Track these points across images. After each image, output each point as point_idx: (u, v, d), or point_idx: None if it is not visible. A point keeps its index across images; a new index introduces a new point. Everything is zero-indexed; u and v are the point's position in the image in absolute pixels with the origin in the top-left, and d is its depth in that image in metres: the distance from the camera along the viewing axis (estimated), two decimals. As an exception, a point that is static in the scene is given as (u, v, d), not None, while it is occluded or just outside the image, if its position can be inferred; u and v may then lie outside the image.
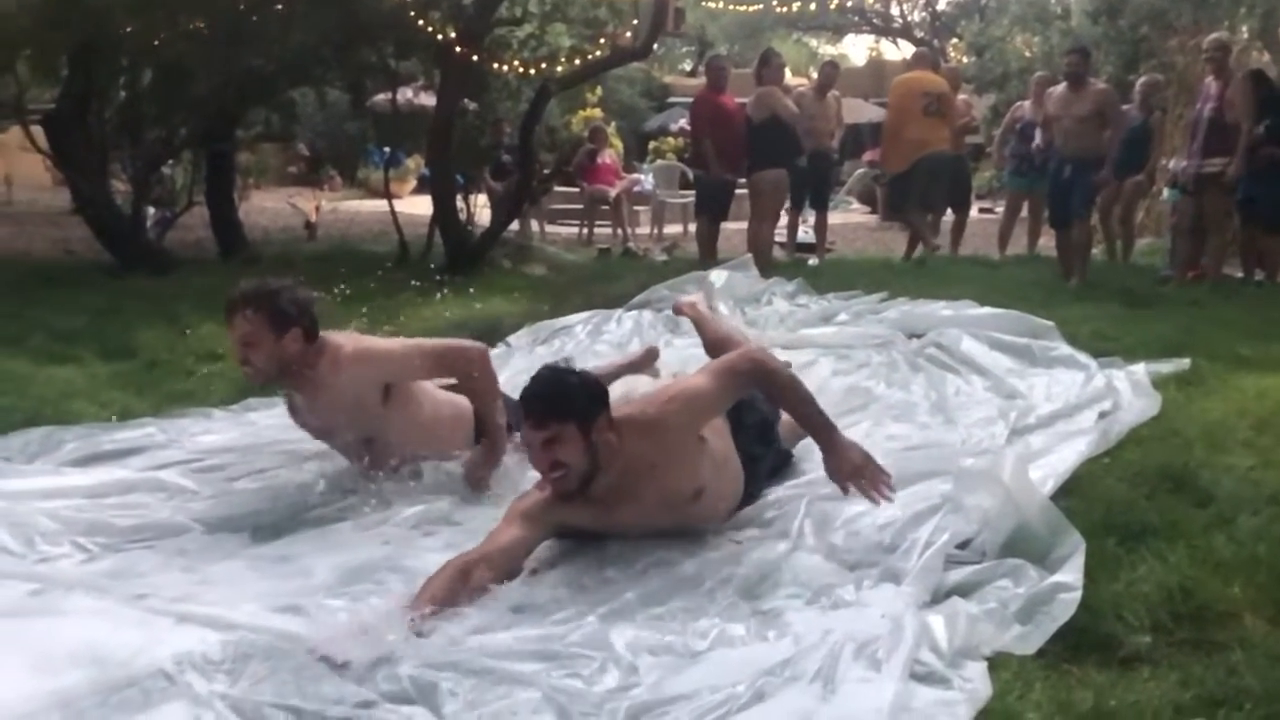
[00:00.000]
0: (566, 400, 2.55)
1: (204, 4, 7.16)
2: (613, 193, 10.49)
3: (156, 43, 7.27)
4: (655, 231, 11.27)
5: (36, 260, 7.96)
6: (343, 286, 5.17)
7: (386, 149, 10.84)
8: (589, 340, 5.03)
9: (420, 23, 7.25)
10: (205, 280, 6.54)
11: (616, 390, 3.76)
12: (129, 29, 6.78)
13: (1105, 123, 6.92)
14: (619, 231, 10.42)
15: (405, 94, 9.08)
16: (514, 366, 4.56)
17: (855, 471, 2.63)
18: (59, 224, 10.12)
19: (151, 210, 8.14)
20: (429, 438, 3.19)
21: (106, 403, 3.97)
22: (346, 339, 3.18)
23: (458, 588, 2.35)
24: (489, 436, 3.20)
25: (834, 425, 2.73)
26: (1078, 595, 2.29)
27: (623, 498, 2.65)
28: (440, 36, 7.34)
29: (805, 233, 9.20)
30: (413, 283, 6.39)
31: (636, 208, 11.32)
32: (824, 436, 2.70)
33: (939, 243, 8.64)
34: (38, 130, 7.24)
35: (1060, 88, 7.21)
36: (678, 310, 4.11)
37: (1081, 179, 6.92)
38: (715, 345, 3.54)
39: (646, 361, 3.99)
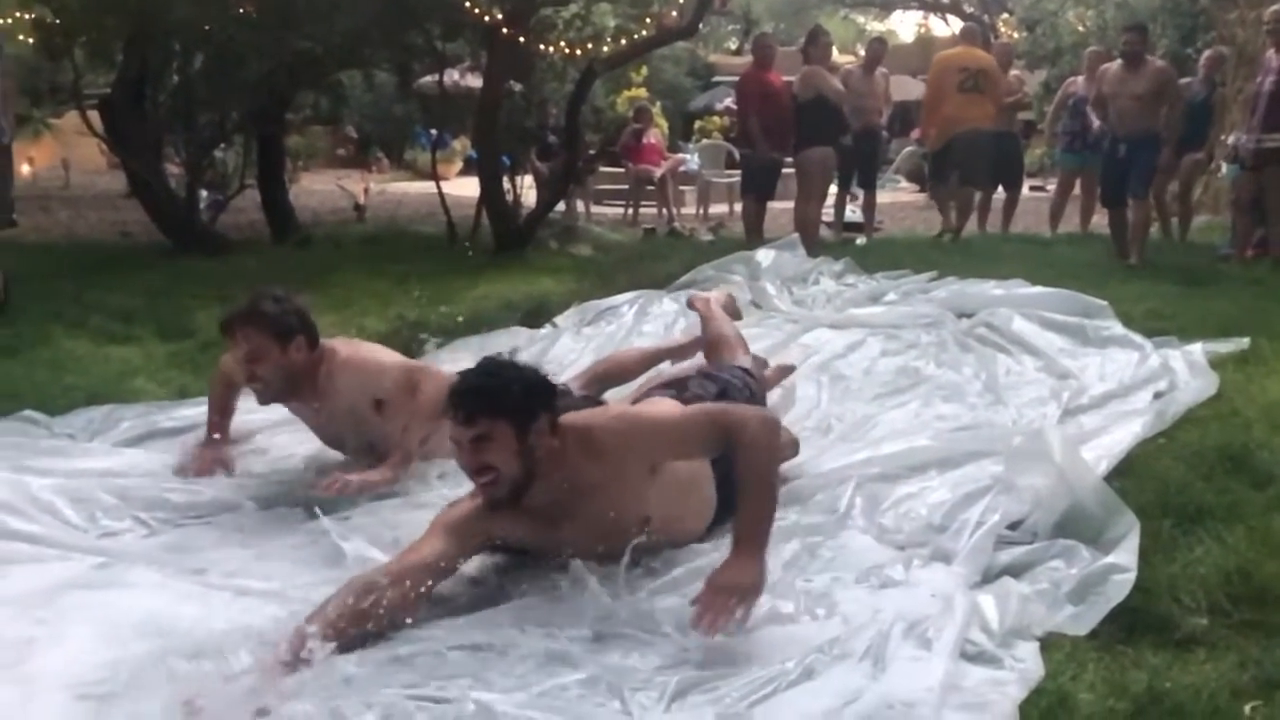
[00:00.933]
0: (500, 395, 2.27)
1: (254, -12, 7.24)
2: (658, 173, 10.47)
3: (208, 27, 7.36)
4: (701, 211, 11.23)
5: (94, 243, 8.12)
6: (397, 267, 5.20)
7: (433, 131, 10.89)
8: (635, 321, 5.03)
9: (467, 4, 7.27)
10: (258, 262, 6.66)
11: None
12: (182, 14, 6.87)
13: (1163, 102, 6.76)
14: (664, 211, 10.40)
15: (452, 76, 9.11)
16: (562, 346, 4.58)
17: (725, 593, 2.11)
18: (115, 207, 10.32)
19: (204, 193, 8.27)
20: (434, 441, 3.02)
21: (164, 381, 4.06)
22: (343, 345, 3.15)
23: (362, 611, 2.09)
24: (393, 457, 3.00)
25: (764, 547, 2.21)
26: (1132, 576, 2.27)
27: (561, 514, 2.37)
28: (487, 18, 7.36)
29: (853, 212, 9.12)
30: (460, 263, 6.45)
31: (682, 187, 11.28)
32: (745, 547, 2.18)
33: (961, 225, 8.45)
34: (94, 115, 7.37)
35: (1115, 65, 7.02)
36: (691, 304, 3.99)
37: (1139, 158, 6.74)
38: (711, 345, 3.44)
39: (691, 349, 3.84)
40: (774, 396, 3.66)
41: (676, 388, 2.90)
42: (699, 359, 3.61)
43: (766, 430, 2.31)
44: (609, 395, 3.69)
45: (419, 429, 3.01)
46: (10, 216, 5.26)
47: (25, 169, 11.37)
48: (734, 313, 3.88)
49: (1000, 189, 8.84)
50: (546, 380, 2.39)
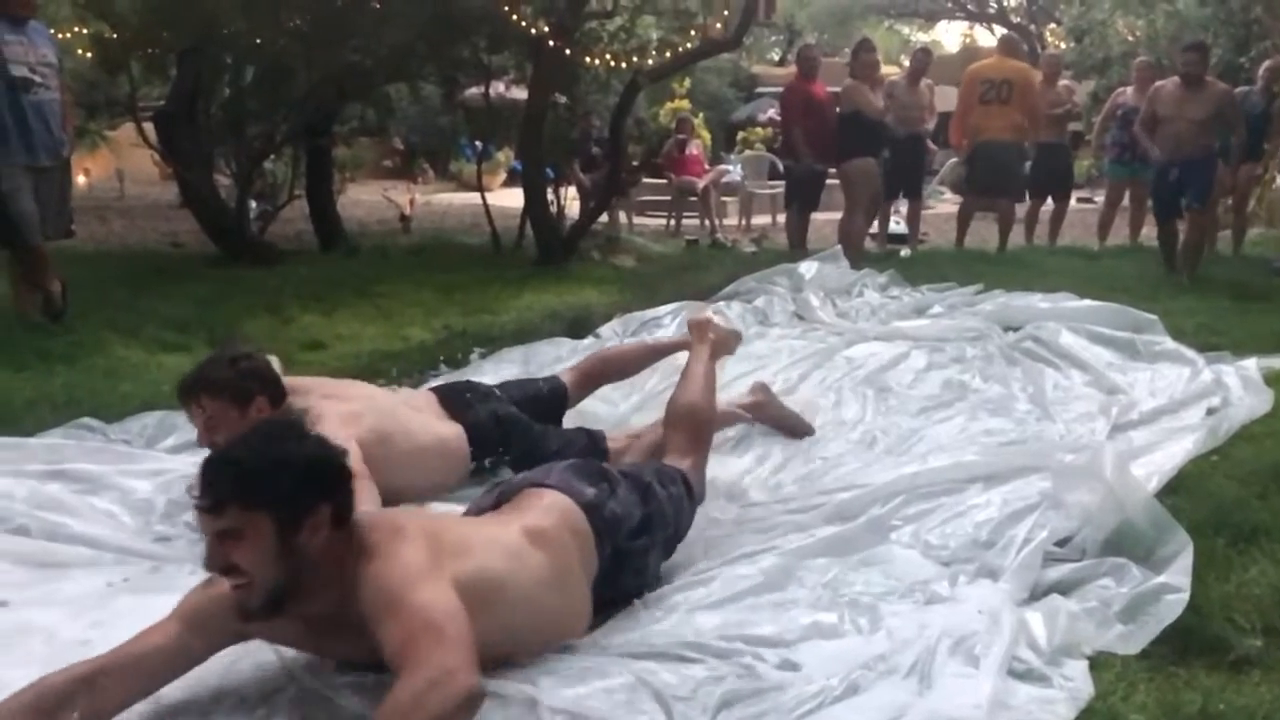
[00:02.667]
0: (261, 480, 1.73)
1: (305, 3, 7.36)
2: (700, 184, 10.48)
3: (259, 42, 7.50)
4: (743, 222, 11.22)
5: (147, 252, 8.29)
6: (442, 277, 5.25)
7: (478, 142, 10.99)
8: (677, 332, 5.04)
9: (513, 17, 7.35)
10: (306, 271, 6.76)
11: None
12: (234, 28, 7.01)
13: (1224, 124, 6.61)
14: (707, 222, 10.41)
15: (497, 88, 9.20)
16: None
17: None
18: (167, 217, 10.53)
19: (254, 204, 8.41)
20: (411, 482, 2.83)
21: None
22: (311, 395, 2.83)
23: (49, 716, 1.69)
24: None
25: None
26: (1185, 596, 2.23)
27: (344, 624, 1.82)
28: (533, 31, 7.42)
29: (897, 223, 9.07)
30: (504, 273, 6.50)
31: (724, 199, 11.29)
32: None
33: (1000, 237, 8.36)
34: (149, 127, 7.53)
35: (1170, 85, 6.71)
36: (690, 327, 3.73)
37: (1195, 176, 6.50)
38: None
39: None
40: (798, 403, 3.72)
41: (598, 484, 2.31)
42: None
43: (442, 700, 1.57)
44: (607, 392, 3.75)
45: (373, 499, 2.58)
46: (69, 227, 5.37)
47: (82, 180, 11.63)
48: (728, 348, 3.54)
49: (1045, 200, 8.75)
50: (334, 459, 1.84)
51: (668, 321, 5.17)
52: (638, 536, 2.33)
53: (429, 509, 2.76)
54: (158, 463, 3.21)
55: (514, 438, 3.12)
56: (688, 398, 2.90)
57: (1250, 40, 11.27)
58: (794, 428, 3.58)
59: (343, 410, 2.80)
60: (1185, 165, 6.50)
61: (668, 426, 2.88)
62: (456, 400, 3.18)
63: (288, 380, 2.86)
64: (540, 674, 1.99)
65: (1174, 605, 2.21)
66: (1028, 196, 9.01)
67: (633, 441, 3.21)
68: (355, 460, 2.46)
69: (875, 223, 8.75)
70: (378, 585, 1.74)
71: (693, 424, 2.83)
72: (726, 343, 3.49)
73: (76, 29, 7.90)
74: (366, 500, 2.43)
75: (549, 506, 2.21)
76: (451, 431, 3.05)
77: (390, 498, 2.68)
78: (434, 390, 3.30)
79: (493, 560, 1.97)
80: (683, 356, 3.29)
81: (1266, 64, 8.21)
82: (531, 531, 2.10)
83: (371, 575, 1.76)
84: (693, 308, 4.93)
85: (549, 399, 3.38)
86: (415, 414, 3.06)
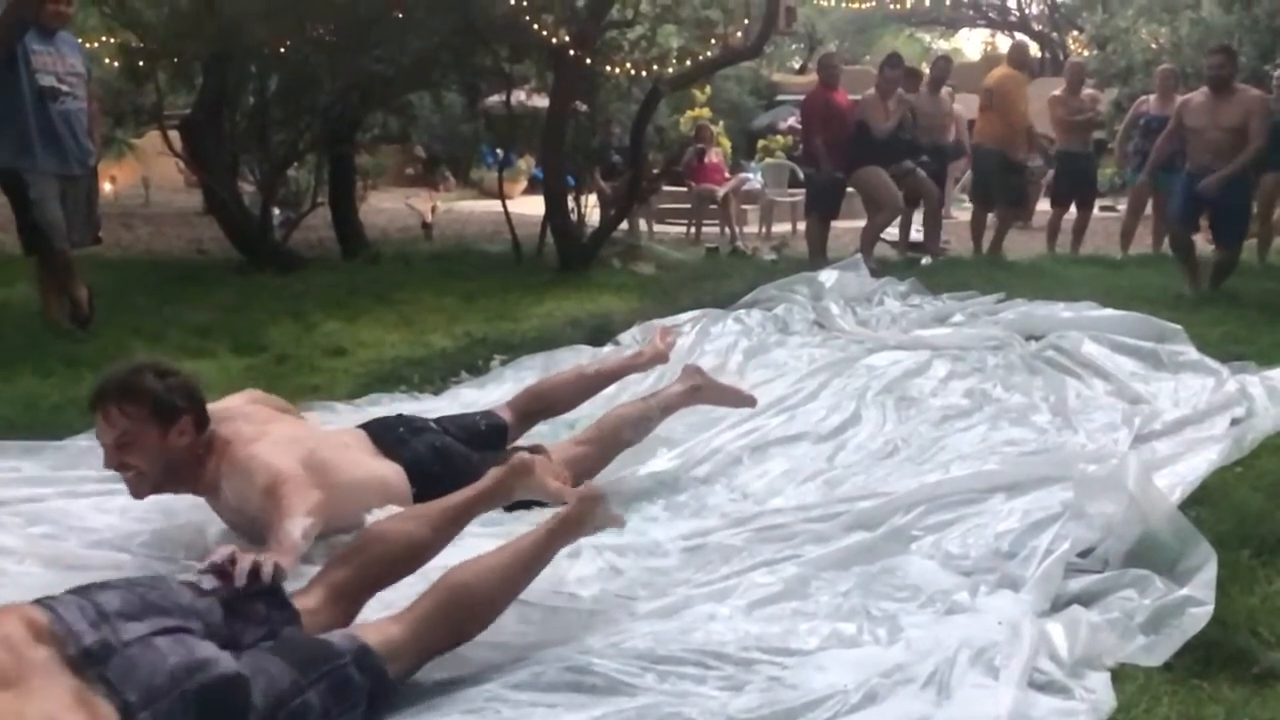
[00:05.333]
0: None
1: (328, 12, 7.42)
2: (721, 192, 10.48)
3: (284, 51, 7.56)
4: (763, 230, 11.21)
5: (172, 259, 8.37)
6: (463, 284, 5.26)
7: (500, 150, 11.03)
8: (698, 339, 5.04)
9: (535, 27, 7.38)
10: (329, 278, 6.80)
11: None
12: (259, 37, 7.07)
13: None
14: (727, 230, 10.40)
15: (519, 96, 9.23)
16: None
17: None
18: (192, 224, 10.62)
19: (277, 211, 8.47)
20: (354, 514, 2.55)
21: (238, 395, 4.15)
22: (238, 436, 2.60)
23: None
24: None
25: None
26: (1209, 609, 2.21)
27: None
28: (554, 40, 7.45)
29: (918, 231, 9.04)
30: (525, 280, 6.52)
31: (744, 206, 11.28)
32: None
33: (994, 241, 8.39)
34: (174, 135, 7.61)
35: (1199, 95, 6.35)
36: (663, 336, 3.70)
37: (1230, 203, 6.14)
38: (605, 429, 3.16)
39: (655, 361, 3.62)
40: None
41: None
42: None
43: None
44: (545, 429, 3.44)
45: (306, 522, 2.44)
46: (97, 234, 5.43)
47: (108, 188, 11.74)
48: (660, 356, 3.60)
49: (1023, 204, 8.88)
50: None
51: (688, 329, 5.17)
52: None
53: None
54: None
55: (454, 470, 2.81)
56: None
57: (1276, 47, 11.16)
58: (736, 400, 3.58)
59: (281, 436, 2.65)
60: (1221, 198, 6.08)
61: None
62: (388, 437, 2.92)
63: (213, 406, 2.64)
64: (559, 688, 2.00)
65: (1198, 618, 2.19)
66: (1050, 204, 9.00)
67: (578, 446, 3.14)
68: (300, 480, 2.49)
69: (896, 230, 8.74)
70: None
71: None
72: (720, 395, 3.54)
73: (104, 38, 8.00)
74: (306, 504, 2.45)
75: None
76: (389, 470, 2.80)
77: (334, 531, 2.55)
78: (364, 428, 2.99)
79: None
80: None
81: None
82: None
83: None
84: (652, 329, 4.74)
85: (487, 435, 3.12)
86: (344, 449, 2.80)
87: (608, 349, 4.98)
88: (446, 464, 2.84)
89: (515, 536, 2.28)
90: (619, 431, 3.19)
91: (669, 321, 5.32)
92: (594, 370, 3.56)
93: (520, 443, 3.19)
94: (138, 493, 2.54)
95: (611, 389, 3.69)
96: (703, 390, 3.48)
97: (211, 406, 2.64)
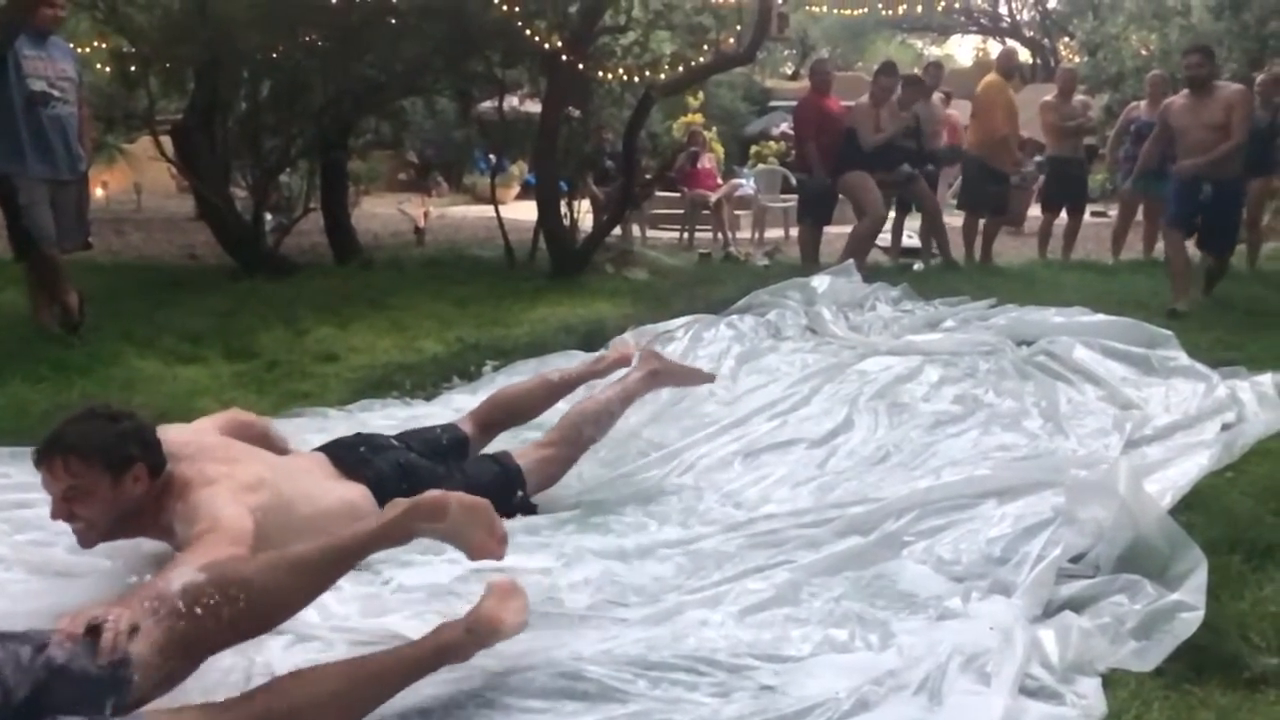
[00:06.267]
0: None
1: (321, 18, 7.42)
2: (713, 197, 10.50)
3: (276, 55, 7.56)
4: (756, 236, 11.23)
5: (164, 264, 8.34)
6: (456, 289, 5.24)
7: (492, 156, 11.03)
8: (690, 345, 5.05)
9: (527, 32, 7.38)
10: (321, 284, 6.79)
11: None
12: (251, 43, 7.06)
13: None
14: (720, 236, 10.42)
15: (511, 102, 9.24)
16: (619, 371, 4.59)
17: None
18: (183, 230, 10.59)
19: (269, 216, 8.45)
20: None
21: (229, 401, 4.12)
22: (200, 474, 2.42)
23: None
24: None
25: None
26: (1200, 614, 2.22)
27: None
28: (547, 46, 7.46)
29: (909, 237, 9.06)
30: (518, 286, 6.52)
31: (737, 212, 11.30)
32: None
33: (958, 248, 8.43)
34: (165, 140, 7.59)
35: (1181, 97, 6.35)
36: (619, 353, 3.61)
37: (1223, 209, 6.09)
38: (568, 429, 3.11)
39: (617, 366, 3.51)
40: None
41: None
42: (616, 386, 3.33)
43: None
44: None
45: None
46: (87, 240, 5.42)
47: (100, 193, 11.70)
48: (623, 360, 3.50)
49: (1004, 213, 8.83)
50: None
51: (680, 335, 5.18)
52: None
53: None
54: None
55: (422, 485, 2.59)
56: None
57: (1265, 54, 11.22)
58: (695, 378, 3.61)
59: (240, 478, 2.46)
60: (1216, 185, 6.05)
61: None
62: (349, 458, 2.83)
63: (171, 443, 2.47)
64: (551, 694, 1.99)
65: (1189, 623, 2.20)
66: (1042, 210, 9.04)
67: (543, 449, 3.10)
68: (244, 534, 2.24)
69: (888, 235, 8.75)
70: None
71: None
72: (680, 376, 3.55)
73: (96, 43, 7.98)
74: (210, 557, 2.03)
75: None
76: (355, 493, 2.70)
77: None
78: (323, 450, 2.90)
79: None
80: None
81: (1261, 77, 8.18)
82: None
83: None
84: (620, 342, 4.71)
85: (449, 449, 3.06)
86: (308, 476, 2.71)
87: (601, 353, 4.98)
88: (413, 480, 2.74)
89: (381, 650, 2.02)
90: (581, 429, 3.16)
91: (661, 327, 5.33)
92: (556, 377, 3.48)
93: (486, 451, 3.16)
94: (85, 543, 2.38)
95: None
96: (661, 373, 3.45)
97: (178, 437, 2.54)
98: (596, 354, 3.62)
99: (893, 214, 8.55)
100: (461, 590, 2.43)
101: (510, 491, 2.92)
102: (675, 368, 3.57)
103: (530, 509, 2.97)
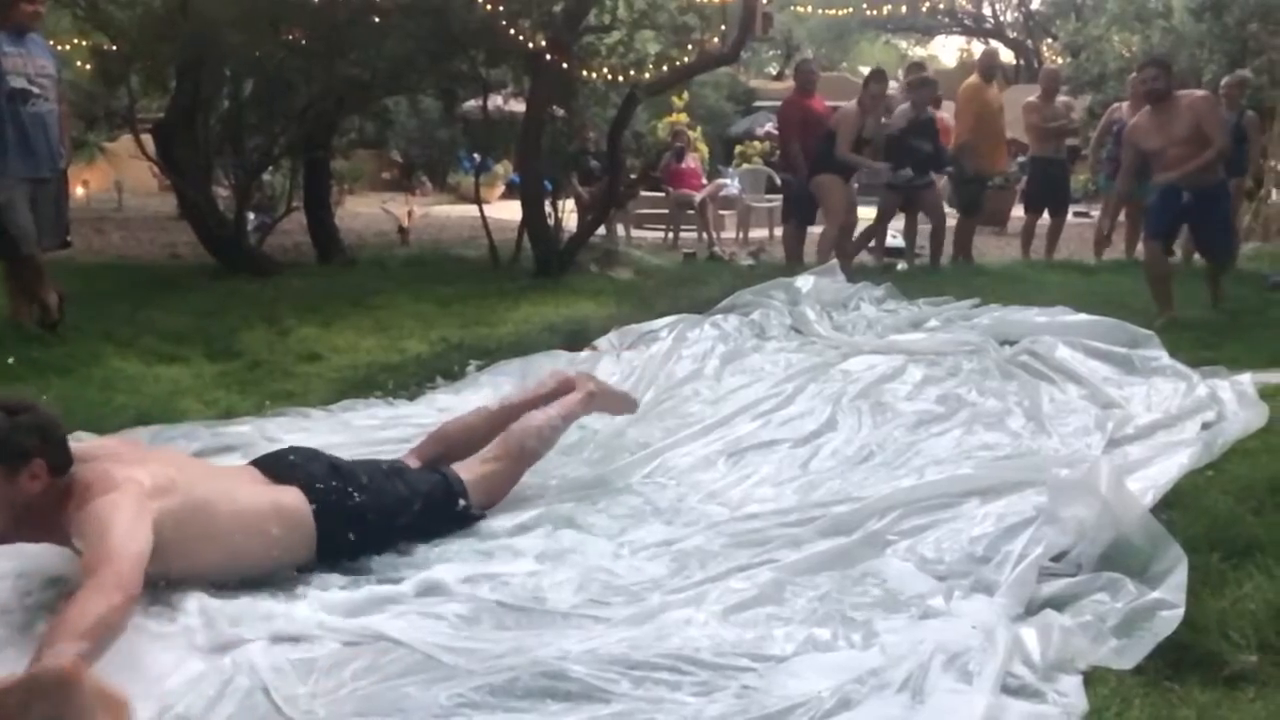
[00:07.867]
0: None
1: (305, 17, 7.39)
2: (698, 197, 10.51)
3: (259, 55, 7.52)
4: (741, 236, 11.24)
5: (145, 264, 8.29)
6: (440, 289, 5.22)
7: (476, 155, 11.01)
8: (674, 345, 5.04)
9: (511, 31, 7.37)
10: (304, 283, 6.76)
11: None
12: (234, 41, 7.02)
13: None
14: (704, 236, 10.42)
15: (495, 101, 9.22)
16: (603, 370, 4.60)
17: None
18: (165, 229, 10.53)
19: (252, 216, 8.41)
20: (248, 551, 2.45)
21: (211, 401, 4.11)
22: (103, 477, 2.25)
23: None
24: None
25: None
26: (1180, 612, 2.23)
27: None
28: (531, 45, 7.45)
29: (894, 237, 9.09)
30: (502, 285, 6.51)
31: (722, 212, 11.31)
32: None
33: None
34: (147, 139, 7.54)
35: (1142, 116, 5.90)
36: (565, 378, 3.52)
37: (1211, 216, 5.77)
38: (511, 444, 3.05)
39: (560, 393, 3.39)
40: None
41: None
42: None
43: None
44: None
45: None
46: (66, 238, 5.37)
47: (80, 192, 11.63)
48: (566, 385, 3.41)
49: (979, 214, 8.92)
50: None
51: (664, 335, 5.17)
52: None
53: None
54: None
55: (356, 483, 2.70)
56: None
57: (1245, 56, 11.31)
58: (624, 405, 3.59)
59: (146, 481, 2.29)
60: (1197, 194, 5.68)
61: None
62: (278, 466, 2.72)
63: (79, 446, 2.37)
64: (533, 694, 1.99)
65: (1169, 621, 2.21)
66: (1025, 210, 9.09)
67: (486, 464, 3.04)
68: (134, 563, 2.05)
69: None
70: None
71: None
72: (611, 401, 3.52)
73: (76, 41, 7.93)
74: (100, 611, 1.91)
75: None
76: (288, 495, 2.59)
77: (230, 573, 2.41)
78: (253, 464, 2.79)
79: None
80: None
81: (1226, 80, 8.25)
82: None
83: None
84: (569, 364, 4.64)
85: (389, 473, 2.92)
86: (230, 479, 2.63)
87: (584, 354, 4.98)
88: (346, 479, 2.69)
89: None
90: (524, 442, 3.10)
91: (646, 327, 5.33)
92: (499, 406, 3.38)
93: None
94: None
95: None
96: (597, 397, 3.43)
97: (92, 442, 2.44)
98: (538, 381, 3.59)
99: (902, 217, 8.56)
100: (460, 590, 2.44)
101: (452, 499, 2.87)
102: (608, 392, 3.55)
103: (476, 519, 2.93)
